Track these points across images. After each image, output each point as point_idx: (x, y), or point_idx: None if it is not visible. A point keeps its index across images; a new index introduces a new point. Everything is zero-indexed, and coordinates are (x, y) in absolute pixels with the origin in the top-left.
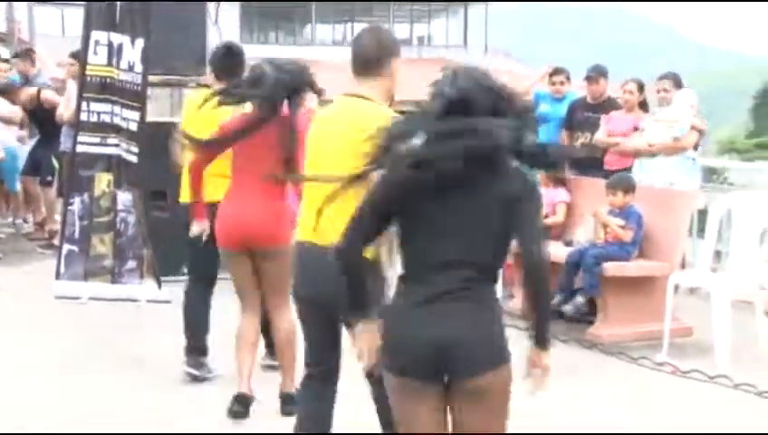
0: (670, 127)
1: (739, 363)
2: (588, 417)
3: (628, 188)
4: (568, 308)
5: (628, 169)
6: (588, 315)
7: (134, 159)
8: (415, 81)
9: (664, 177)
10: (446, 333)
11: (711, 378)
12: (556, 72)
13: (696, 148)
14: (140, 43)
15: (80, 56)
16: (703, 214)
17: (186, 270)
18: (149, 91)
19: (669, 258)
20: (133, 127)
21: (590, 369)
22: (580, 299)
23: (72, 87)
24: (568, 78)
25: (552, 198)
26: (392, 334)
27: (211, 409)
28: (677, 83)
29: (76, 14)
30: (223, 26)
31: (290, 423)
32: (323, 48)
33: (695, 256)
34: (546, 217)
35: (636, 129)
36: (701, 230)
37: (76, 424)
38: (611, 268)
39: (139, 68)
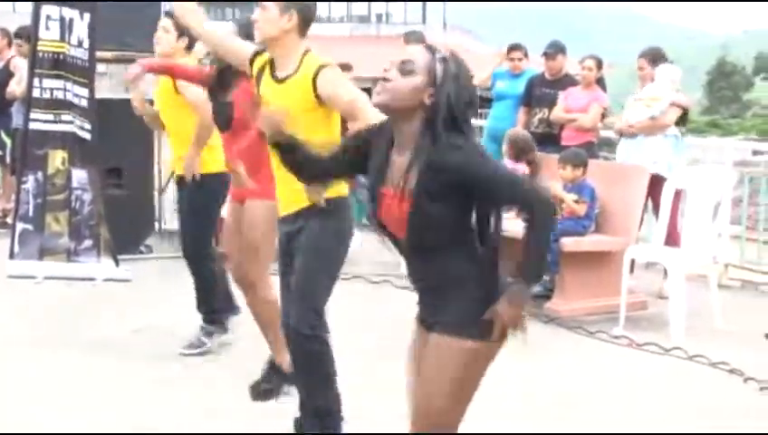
0: (648, 106)
1: (693, 336)
2: (545, 389)
3: (577, 162)
4: (534, 288)
5: (587, 145)
6: (552, 291)
7: (88, 136)
8: (374, 58)
9: (647, 157)
10: None
11: (666, 350)
12: (514, 48)
13: (683, 124)
14: (87, 17)
15: (29, 32)
16: None
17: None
18: (105, 67)
19: (625, 233)
20: (84, 104)
21: (548, 343)
22: (544, 277)
23: (22, 64)
24: (526, 54)
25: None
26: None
27: (172, 387)
28: (654, 60)
29: None
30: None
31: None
32: None
33: (649, 231)
34: None
35: (600, 107)
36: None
37: (31, 404)
38: (568, 244)
39: (86, 43)
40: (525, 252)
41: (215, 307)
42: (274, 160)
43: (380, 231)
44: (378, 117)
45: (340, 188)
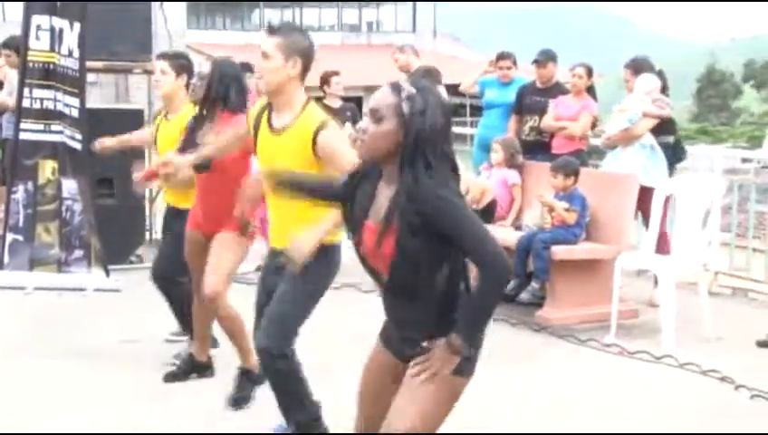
0: (621, 116)
1: (684, 344)
2: (536, 397)
3: (569, 171)
4: (524, 296)
5: (577, 153)
6: (543, 299)
7: (78, 146)
8: (364, 66)
9: (622, 167)
10: None
11: (657, 358)
12: (502, 56)
13: (669, 133)
14: (77, 27)
15: (19, 43)
16: None
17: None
18: (96, 77)
19: (616, 241)
20: (75, 114)
21: (539, 351)
22: (534, 285)
23: (12, 75)
24: (515, 62)
25: (505, 179)
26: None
27: (163, 397)
28: (636, 70)
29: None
30: (169, 11)
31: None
32: None
33: (639, 239)
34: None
35: (590, 115)
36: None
37: (21, 413)
38: (560, 252)
39: (76, 53)
40: (464, 310)
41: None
42: (273, 195)
43: (362, 263)
44: None
45: (335, 237)
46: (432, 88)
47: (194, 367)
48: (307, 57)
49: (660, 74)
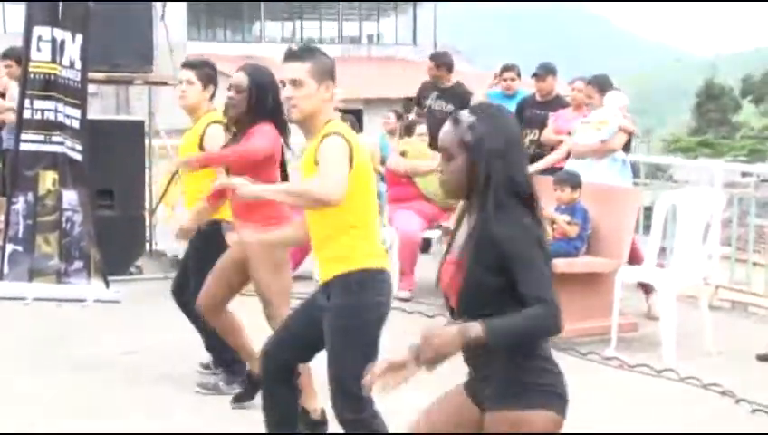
0: (597, 129)
1: (685, 357)
2: None
3: (576, 184)
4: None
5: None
6: None
7: (79, 157)
8: (365, 78)
9: (595, 179)
10: None
11: (658, 372)
12: (506, 68)
13: (627, 149)
14: (79, 38)
15: (20, 54)
16: (648, 210)
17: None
18: (96, 88)
19: (617, 255)
20: (76, 125)
21: None
22: None
23: (14, 87)
24: (519, 75)
25: None
26: None
27: (163, 409)
28: (602, 87)
29: (18, 11)
30: (170, 23)
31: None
32: (272, 45)
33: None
34: None
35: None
36: (646, 227)
37: (20, 425)
38: (561, 264)
39: (78, 65)
40: (505, 315)
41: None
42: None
43: (445, 301)
44: (329, 193)
45: (364, 259)
46: (496, 109)
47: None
48: (334, 77)
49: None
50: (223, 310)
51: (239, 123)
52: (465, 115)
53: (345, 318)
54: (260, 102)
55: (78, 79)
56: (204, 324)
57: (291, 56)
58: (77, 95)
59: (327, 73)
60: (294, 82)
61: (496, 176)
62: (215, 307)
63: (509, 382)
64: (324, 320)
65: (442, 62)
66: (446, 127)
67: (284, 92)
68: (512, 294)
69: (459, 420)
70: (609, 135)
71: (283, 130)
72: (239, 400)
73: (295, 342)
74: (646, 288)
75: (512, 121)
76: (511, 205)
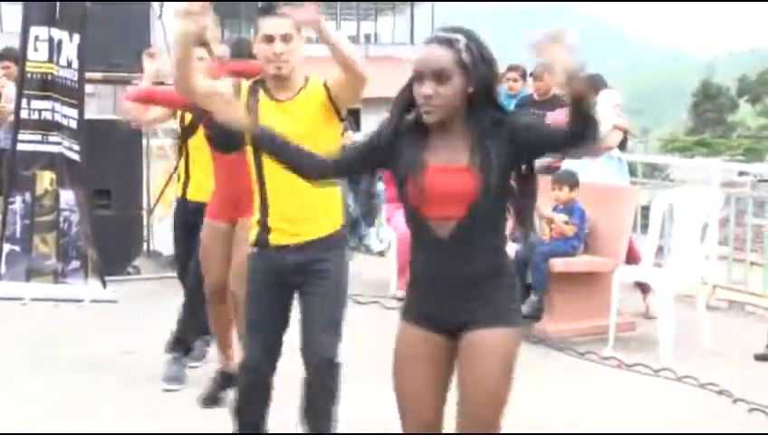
0: None
1: (682, 356)
2: (534, 411)
3: (574, 183)
4: (524, 309)
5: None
6: (542, 312)
7: (76, 157)
8: None
9: (591, 178)
10: None
11: (655, 371)
12: (511, 68)
13: (623, 147)
14: (77, 38)
15: (17, 54)
16: (645, 210)
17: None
18: (93, 88)
19: (614, 254)
20: (73, 124)
21: (538, 364)
22: (533, 298)
23: (11, 87)
24: (523, 76)
25: None
26: None
27: (161, 408)
28: (595, 87)
29: (15, 10)
30: (167, 22)
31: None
32: None
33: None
34: None
35: None
36: (644, 226)
37: (18, 425)
38: (558, 264)
39: (75, 64)
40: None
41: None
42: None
43: (413, 216)
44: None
45: (338, 221)
46: (473, 31)
47: (227, 380)
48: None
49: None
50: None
51: None
52: (457, 36)
53: (342, 274)
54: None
55: (75, 79)
56: (193, 310)
57: (272, 14)
58: (74, 95)
59: (298, 27)
60: (286, 37)
61: (493, 88)
62: (223, 291)
63: (507, 304)
64: (306, 274)
65: None
66: (436, 49)
67: (275, 48)
68: (509, 200)
69: (446, 363)
70: (603, 134)
71: None
72: (209, 401)
73: (276, 346)
74: (643, 288)
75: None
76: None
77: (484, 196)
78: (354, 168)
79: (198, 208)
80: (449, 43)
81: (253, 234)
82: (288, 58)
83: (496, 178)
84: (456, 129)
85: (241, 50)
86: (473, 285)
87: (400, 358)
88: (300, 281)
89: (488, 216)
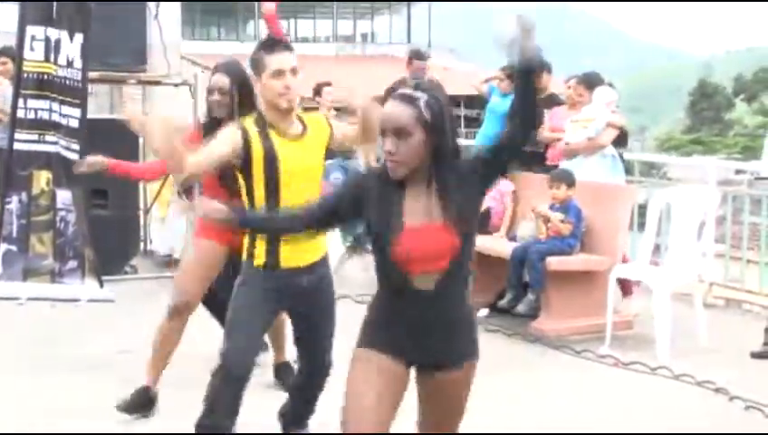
0: (584, 127)
1: (679, 355)
2: (531, 409)
3: (571, 181)
4: (521, 308)
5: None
6: (538, 310)
7: (75, 156)
8: (359, 77)
9: (585, 176)
10: None
11: (652, 370)
12: (504, 68)
13: (622, 145)
14: (79, 38)
15: (14, 53)
16: (642, 208)
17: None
18: (90, 87)
19: (611, 253)
20: (74, 124)
21: (534, 362)
22: (530, 297)
23: (7, 85)
24: (510, 76)
25: (499, 189)
26: None
27: (160, 408)
28: (590, 85)
29: (11, 9)
30: (163, 22)
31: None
32: None
33: (634, 250)
34: (489, 209)
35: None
36: (641, 224)
37: (15, 425)
38: (555, 263)
39: (78, 64)
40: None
41: None
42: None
43: (391, 272)
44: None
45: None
46: (432, 83)
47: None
48: None
49: (612, 88)
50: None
51: (225, 124)
52: (418, 94)
53: (332, 288)
54: (244, 99)
55: (78, 78)
56: None
57: (284, 48)
58: (77, 94)
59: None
60: (294, 71)
61: (452, 138)
62: (190, 311)
63: (472, 340)
64: (315, 292)
65: (412, 57)
66: (397, 105)
67: (287, 81)
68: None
69: (398, 386)
70: (597, 132)
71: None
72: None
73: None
74: (624, 288)
75: (445, 96)
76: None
77: (465, 246)
78: (329, 224)
79: None
80: (410, 100)
81: (260, 255)
82: (294, 90)
83: (472, 227)
84: (425, 183)
85: (237, 70)
86: (451, 327)
87: (359, 373)
88: (302, 300)
89: (466, 260)
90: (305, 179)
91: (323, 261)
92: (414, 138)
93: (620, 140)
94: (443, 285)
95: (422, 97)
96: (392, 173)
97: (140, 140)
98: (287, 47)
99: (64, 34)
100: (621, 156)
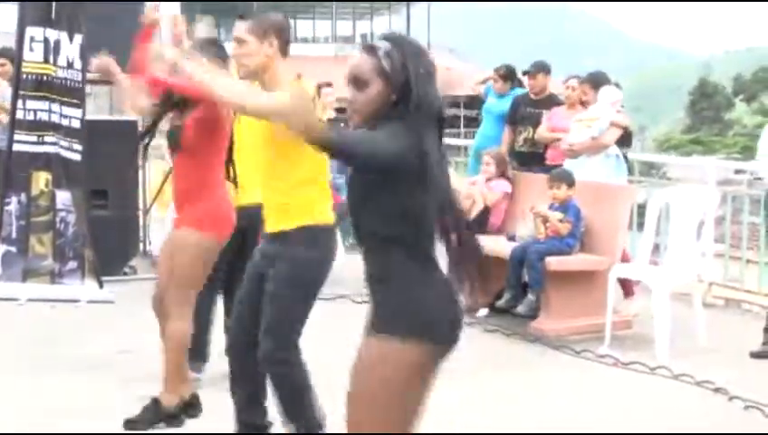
0: (588, 126)
1: (678, 354)
2: (531, 409)
3: (571, 181)
4: (521, 309)
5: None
6: (537, 310)
7: (77, 156)
8: None
9: (588, 176)
10: None
11: (651, 369)
12: (497, 69)
13: (627, 144)
14: (78, 38)
15: (13, 54)
16: (642, 208)
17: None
18: (89, 88)
19: (610, 252)
20: (75, 124)
21: (534, 362)
22: (530, 297)
23: (6, 86)
24: (503, 76)
25: (494, 188)
26: None
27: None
28: (596, 84)
29: (9, 10)
30: (164, 23)
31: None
32: None
33: (633, 250)
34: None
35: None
36: (640, 224)
37: (15, 425)
38: (554, 263)
39: (78, 64)
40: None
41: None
42: (262, 173)
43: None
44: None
45: (324, 216)
46: (408, 38)
47: (158, 412)
48: (282, 32)
49: (618, 87)
50: (175, 318)
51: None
52: (381, 43)
53: (303, 269)
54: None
55: (78, 79)
56: None
57: (238, 19)
58: (77, 95)
59: (271, 29)
60: (237, 41)
61: (416, 97)
62: (164, 309)
63: (396, 310)
64: (274, 265)
65: None
66: (360, 55)
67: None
68: (396, 208)
69: None
70: (600, 132)
71: None
72: (135, 425)
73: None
74: (626, 289)
75: (422, 49)
76: (414, 118)
77: (353, 198)
78: None
79: (249, 214)
80: (372, 49)
81: None
82: (241, 62)
83: (361, 184)
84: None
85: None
86: (371, 287)
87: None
88: (264, 272)
89: (366, 219)
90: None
91: (301, 233)
92: (371, 88)
93: (624, 140)
94: (360, 239)
95: (383, 47)
96: (350, 121)
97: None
98: (243, 17)
99: (64, 35)
100: (626, 156)
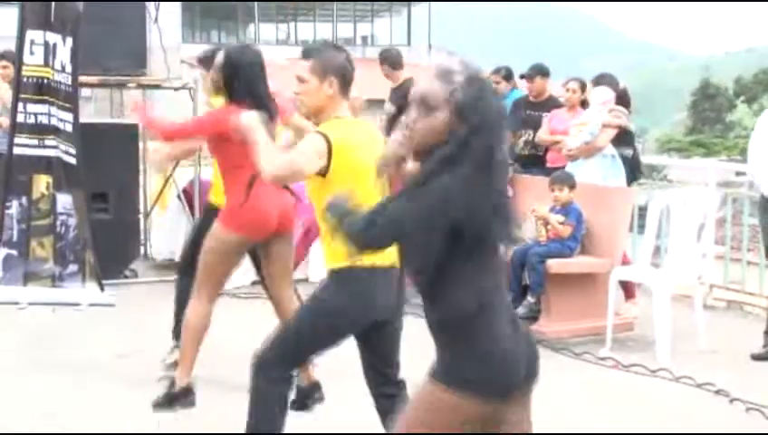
0: (580, 131)
1: (679, 356)
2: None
3: (573, 184)
4: (520, 311)
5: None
6: (539, 313)
7: (73, 160)
8: (359, 80)
9: (585, 177)
10: None
11: (652, 372)
12: (494, 72)
13: (627, 144)
14: (69, 41)
15: (14, 57)
16: (642, 210)
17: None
18: (90, 91)
19: (611, 254)
20: (69, 128)
21: None
22: (530, 299)
23: (6, 88)
24: (506, 77)
25: None
26: None
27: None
28: (583, 86)
29: (10, 14)
30: (164, 25)
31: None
32: (267, 47)
33: (634, 252)
34: None
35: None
36: (641, 226)
37: (17, 429)
38: (555, 265)
39: (69, 68)
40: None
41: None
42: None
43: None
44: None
45: (356, 260)
46: (484, 79)
47: (173, 395)
48: (343, 73)
49: (625, 92)
50: (195, 301)
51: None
52: (456, 75)
53: (320, 304)
54: (228, 82)
55: (69, 82)
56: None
57: (301, 55)
58: (69, 98)
59: (331, 70)
60: (299, 79)
61: (476, 145)
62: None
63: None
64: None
65: (382, 59)
66: (432, 78)
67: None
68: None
69: None
70: (592, 135)
71: (259, 109)
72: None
73: None
74: (627, 291)
75: (500, 101)
76: (471, 176)
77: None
78: None
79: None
80: (448, 75)
81: None
82: (302, 100)
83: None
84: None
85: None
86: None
87: None
88: None
89: (415, 266)
90: None
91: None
92: (436, 115)
93: (624, 140)
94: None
95: (458, 79)
96: (405, 147)
97: (140, 145)
98: (305, 54)
99: (59, 39)
100: (632, 156)
